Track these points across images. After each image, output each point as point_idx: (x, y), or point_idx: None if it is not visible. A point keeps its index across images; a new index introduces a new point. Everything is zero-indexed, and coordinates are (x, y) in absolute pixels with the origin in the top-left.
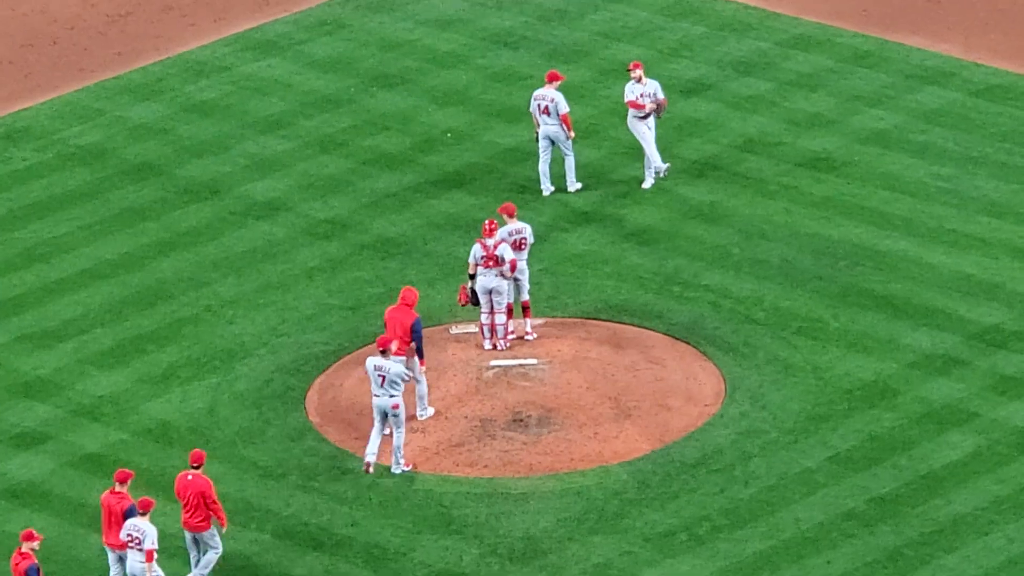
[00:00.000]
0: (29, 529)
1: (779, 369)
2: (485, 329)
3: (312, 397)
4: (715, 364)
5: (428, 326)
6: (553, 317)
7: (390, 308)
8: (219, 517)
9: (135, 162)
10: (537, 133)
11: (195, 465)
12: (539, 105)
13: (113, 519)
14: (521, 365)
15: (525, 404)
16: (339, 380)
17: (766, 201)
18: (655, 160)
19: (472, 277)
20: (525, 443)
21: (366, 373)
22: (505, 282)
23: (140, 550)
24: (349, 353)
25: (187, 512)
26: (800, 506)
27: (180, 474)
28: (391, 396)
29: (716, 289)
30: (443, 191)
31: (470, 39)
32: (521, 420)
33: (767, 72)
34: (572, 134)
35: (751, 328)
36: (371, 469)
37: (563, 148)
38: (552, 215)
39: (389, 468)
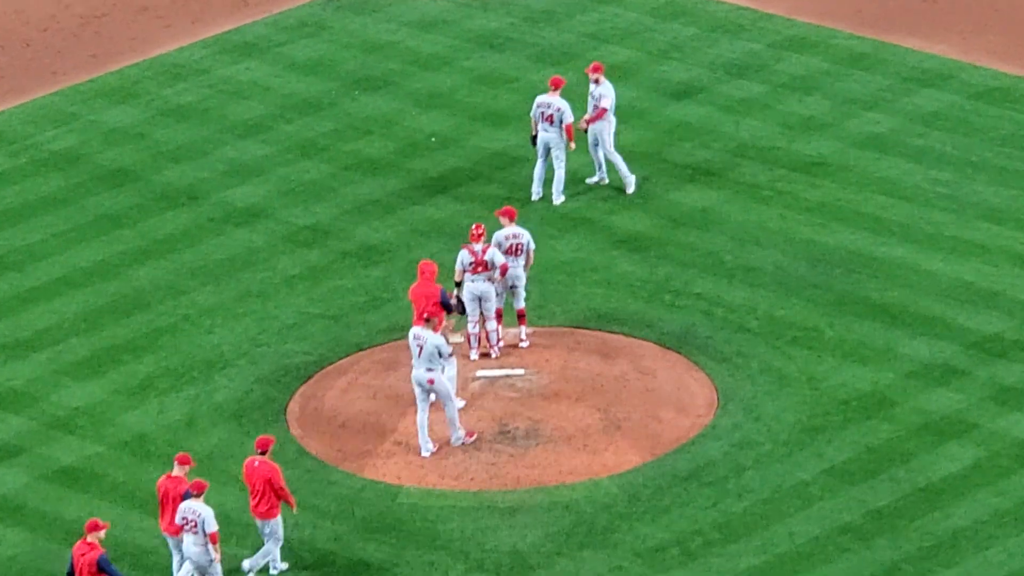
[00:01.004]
0: (94, 519)
1: (773, 379)
2: (472, 339)
3: (293, 409)
4: (707, 374)
5: None
6: (541, 326)
7: (413, 286)
8: (288, 502)
9: (110, 167)
10: (534, 136)
11: (261, 451)
12: (542, 112)
13: (170, 504)
14: (508, 376)
15: (512, 416)
16: (321, 391)
17: (759, 207)
18: (596, 168)
19: (458, 285)
20: (512, 456)
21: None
22: (494, 288)
23: (196, 533)
24: (331, 363)
25: (254, 499)
26: (795, 520)
27: (247, 460)
28: (428, 370)
29: (708, 297)
30: (427, 197)
31: (455, 41)
32: (508, 432)
33: (760, 74)
34: (573, 145)
35: (744, 337)
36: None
37: (556, 159)
38: (539, 221)
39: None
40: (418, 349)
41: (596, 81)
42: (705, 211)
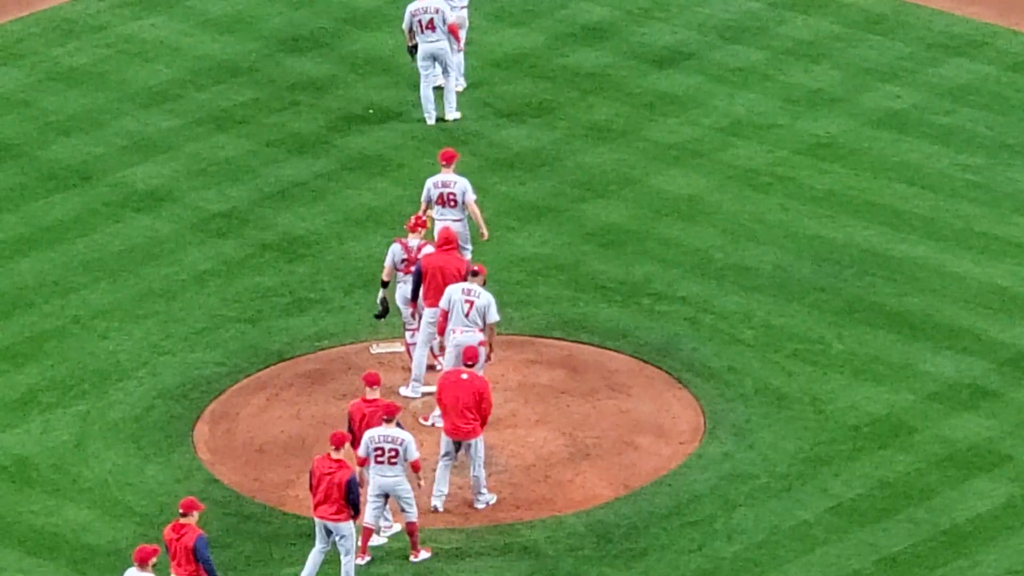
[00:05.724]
0: (191, 497)
1: (770, 400)
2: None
3: (202, 429)
4: (692, 393)
5: (344, 343)
6: (495, 334)
7: (429, 255)
8: (483, 418)
9: None
10: (413, 47)
11: (469, 363)
12: (420, 21)
13: (364, 427)
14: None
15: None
16: (235, 408)
17: (756, 195)
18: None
19: (384, 285)
20: (459, 488)
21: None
22: None
23: (394, 464)
24: (247, 375)
25: (453, 417)
26: (794, 567)
27: (449, 373)
28: (480, 331)
29: (695, 302)
30: (363, 180)
31: None
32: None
33: (759, 39)
34: (462, 47)
35: (737, 350)
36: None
37: (449, 63)
38: (494, 209)
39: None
40: (467, 306)
41: None
42: (692, 200)
